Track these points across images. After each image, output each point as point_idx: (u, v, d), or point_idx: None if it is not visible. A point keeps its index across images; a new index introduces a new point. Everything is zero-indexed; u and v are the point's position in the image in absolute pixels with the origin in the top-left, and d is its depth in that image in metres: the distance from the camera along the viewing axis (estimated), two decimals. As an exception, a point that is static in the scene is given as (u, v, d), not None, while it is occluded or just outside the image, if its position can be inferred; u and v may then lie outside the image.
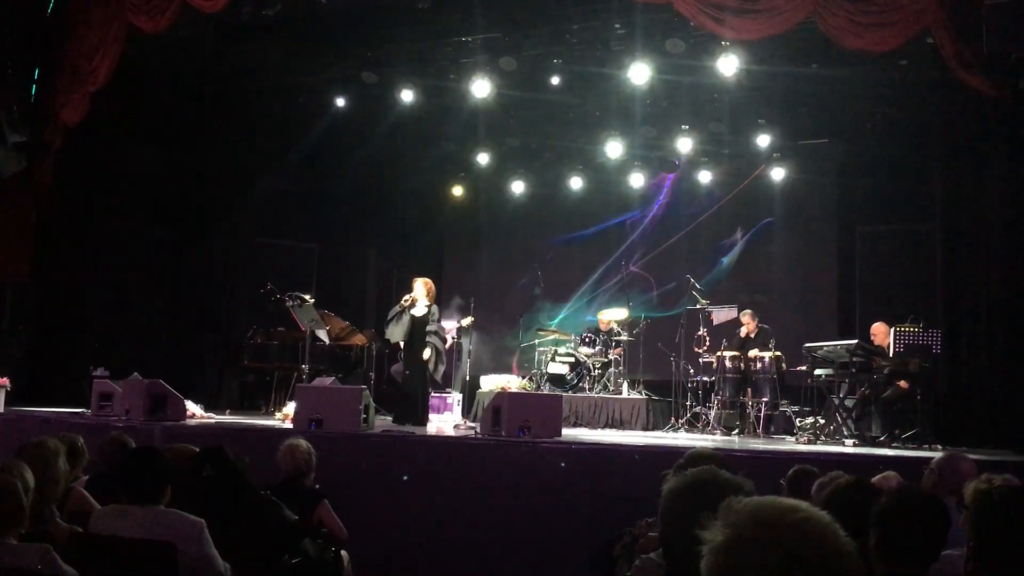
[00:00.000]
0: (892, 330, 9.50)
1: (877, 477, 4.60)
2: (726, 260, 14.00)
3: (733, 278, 13.77)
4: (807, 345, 10.17)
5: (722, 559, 1.40)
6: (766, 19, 8.43)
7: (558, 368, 12.46)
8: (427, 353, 10.20)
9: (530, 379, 12.72)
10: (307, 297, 11.39)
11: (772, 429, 10.66)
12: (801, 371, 10.40)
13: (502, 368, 13.99)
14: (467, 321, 12.64)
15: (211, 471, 4.56)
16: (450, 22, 10.82)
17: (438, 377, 10.70)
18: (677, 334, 11.81)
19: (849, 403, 9.84)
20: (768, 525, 1.40)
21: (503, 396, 8.76)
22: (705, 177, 14.03)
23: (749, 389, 10.87)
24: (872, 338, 10.08)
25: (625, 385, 12.06)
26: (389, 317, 10.43)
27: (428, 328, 10.33)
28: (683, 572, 2.07)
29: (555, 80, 11.59)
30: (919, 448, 8.62)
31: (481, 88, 11.54)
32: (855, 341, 9.75)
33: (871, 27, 8.12)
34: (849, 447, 8.96)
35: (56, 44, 10.80)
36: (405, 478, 7.48)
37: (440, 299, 11.40)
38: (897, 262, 12.45)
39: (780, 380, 10.82)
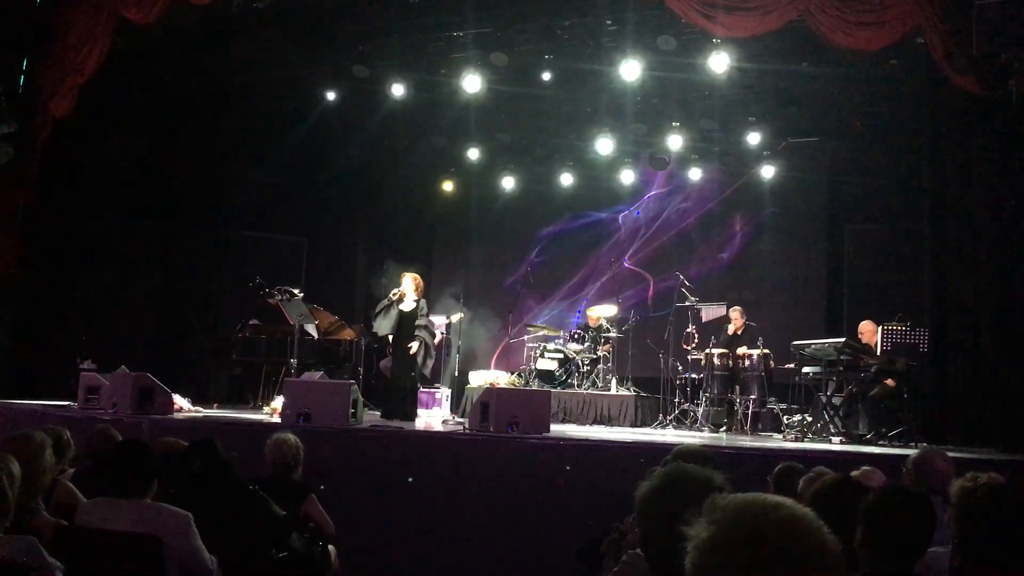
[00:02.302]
0: (880, 329, 9.53)
1: (857, 472, 4.60)
2: (726, 255, 14.01)
3: (723, 275, 13.79)
4: (795, 343, 10.20)
5: (706, 556, 1.40)
6: (757, 17, 8.45)
7: (547, 364, 12.46)
8: (415, 347, 10.20)
9: (519, 375, 12.73)
10: (296, 291, 11.37)
11: (760, 426, 10.70)
12: (789, 369, 10.43)
13: (489, 364, 14.01)
14: (456, 317, 12.63)
15: (200, 465, 4.55)
16: (441, 17, 10.81)
17: (427, 372, 10.69)
18: (666, 331, 11.84)
19: (836, 401, 9.88)
20: (752, 522, 1.40)
21: (491, 392, 8.77)
22: (695, 174, 14.04)
23: (737, 386, 10.91)
24: (859, 336, 10.11)
25: (614, 381, 12.07)
26: (377, 310, 10.42)
27: (417, 323, 10.33)
28: (662, 568, 2.08)
29: (546, 76, 11.60)
30: (905, 446, 8.65)
31: (472, 83, 11.53)
32: (843, 339, 9.79)
33: (861, 26, 8.15)
34: (836, 445, 8.99)
35: (45, 35, 10.74)
36: (410, 480, 7.46)
37: (429, 294, 11.40)
38: (885, 261, 12.49)
39: (768, 377, 10.86)
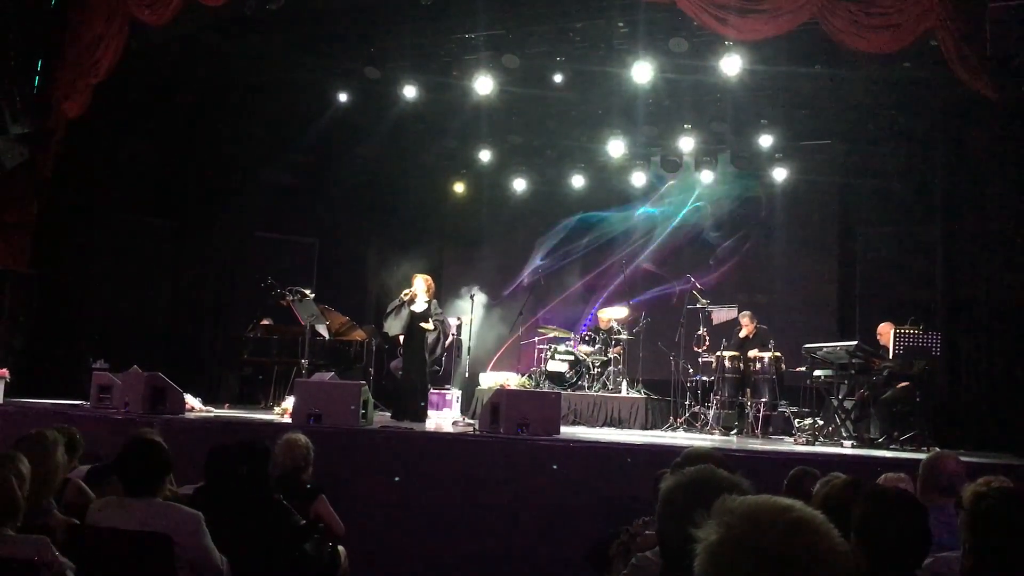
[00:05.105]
0: (892, 332, 9.48)
1: (884, 478, 4.50)
2: (737, 257, 13.97)
3: (735, 278, 13.76)
4: (807, 346, 10.16)
5: (716, 558, 1.40)
6: (769, 19, 8.42)
7: (557, 366, 12.45)
8: (429, 326, 10.24)
9: (529, 377, 12.73)
10: (307, 292, 11.40)
11: (770, 429, 10.65)
12: (800, 372, 10.40)
13: (499, 365, 14.01)
14: (467, 319, 12.64)
15: (246, 471, 4.56)
16: (453, 19, 10.81)
17: (436, 354, 10.70)
18: (677, 333, 11.81)
19: (848, 404, 9.83)
20: (762, 524, 1.40)
21: (502, 393, 8.77)
22: (707, 177, 14.00)
23: (748, 389, 10.87)
24: (878, 337, 10.04)
25: (624, 384, 12.06)
26: (388, 310, 10.46)
27: (432, 320, 10.39)
28: (680, 570, 2.07)
29: (558, 78, 11.57)
30: (917, 450, 8.60)
31: (484, 85, 11.53)
32: (855, 342, 9.74)
33: (875, 29, 8.12)
34: (847, 448, 8.96)
35: (59, 36, 10.81)
36: (397, 479, 7.48)
37: (440, 296, 11.42)
38: (898, 264, 12.41)
39: (779, 380, 10.82)
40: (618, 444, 8.27)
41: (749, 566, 1.36)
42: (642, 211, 14.70)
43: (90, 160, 11.75)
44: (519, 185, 15.01)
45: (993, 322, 9.97)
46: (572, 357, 12.51)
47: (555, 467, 7.33)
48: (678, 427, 11.09)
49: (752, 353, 10.99)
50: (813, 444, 9.29)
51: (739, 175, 13.76)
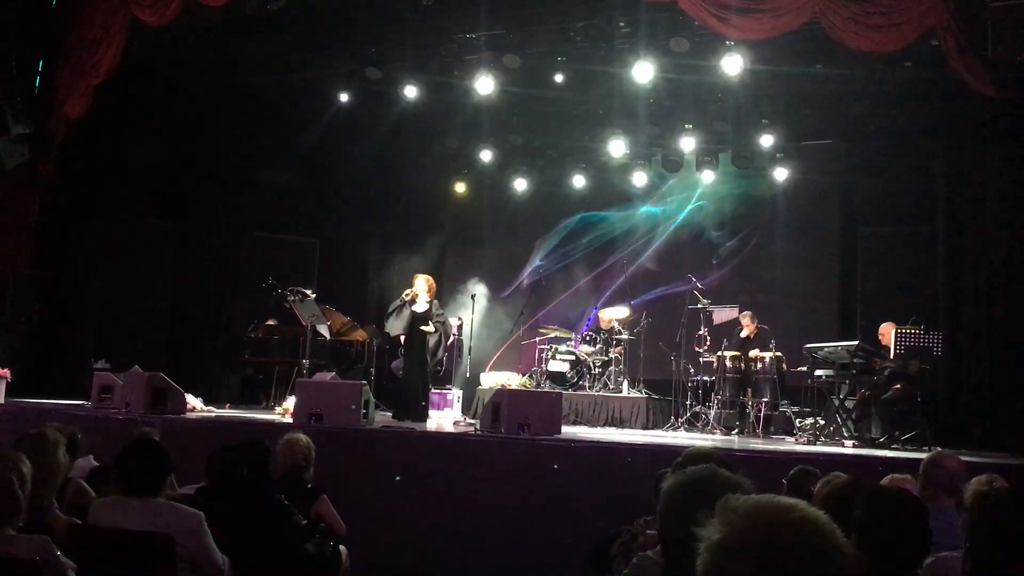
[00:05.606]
0: (894, 332, 9.47)
1: (888, 478, 4.48)
2: (739, 257, 13.96)
3: (736, 278, 13.74)
4: (808, 346, 10.16)
5: (718, 557, 1.39)
6: (770, 19, 8.42)
7: (558, 366, 12.46)
8: (431, 329, 10.24)
9: (530, 377, 12.74)
10: (308, 292, 11.41)
11: (772, 429, 10.66)
12: (802, 371, 10.39)
13: (500, 365, 14.02)
14: (468, 318, 12.63)
15: (247, 472, 4.55)
16: (454, 19, 10.82)
17: (438, 356, 10.72)
18: (678, 333, 11.81)
19: (849, 404, 9.83)
20: (765, 524, 1.39)
21: (503, 393, 8.76)
22: (708, 176, 13.99)
23: (749, 389, 10.88)
24: (880, 338, 10.04)
25: (625, 384, 12.06)
26: (389, 311, 10.46)
27: (433, 321, 10.39)
28: (681, 570, 2.07)
29: (559, 78, 11.57)
30: (918, 450, 8.60)
31: (485, 85, 11.53)
32: (856, 342, 9.74)
33: (876, 28, 8.12)
34: (848, 448, 8.95)
35: (60, 36, 10.81)
36: (398, 478, 7.48)
37: (441, 296, 11.42)
38: (899, 264, 12.42)
39: (780, 380, 10.83)
40: (619, 444, 8.27)
41: (751, 566, 1.36)
42: (644, 210, 14.68)
43: (91, 160, 11.76)
44: (520, 185, 15.01)
45: (994, 321, 9.96)
46: (573, 357, 12.51)
47: (556, 467, 7.33)
48: (679, 427, 11.09)
49: (753, 353, 11.00)
50: (814, 444, 9.29)
51: (740, 175, 13.74)
